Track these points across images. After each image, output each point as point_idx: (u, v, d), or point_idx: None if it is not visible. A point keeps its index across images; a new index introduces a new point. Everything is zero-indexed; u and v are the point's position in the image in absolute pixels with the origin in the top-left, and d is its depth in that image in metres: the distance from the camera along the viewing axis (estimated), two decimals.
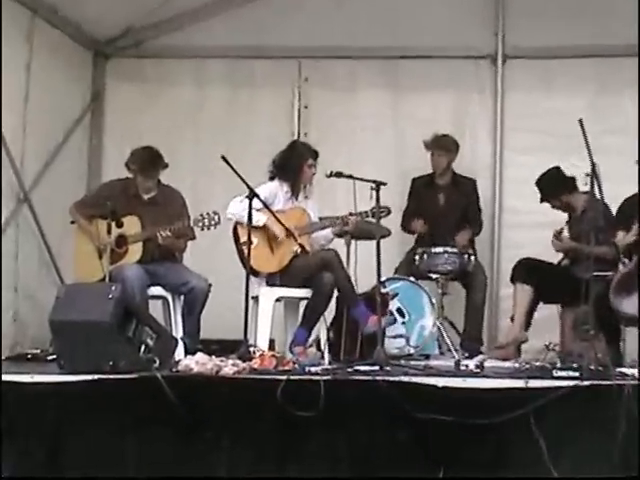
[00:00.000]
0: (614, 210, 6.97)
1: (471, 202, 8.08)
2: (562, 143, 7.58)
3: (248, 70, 8.65)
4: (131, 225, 6.79)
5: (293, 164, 7.03)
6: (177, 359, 5.91)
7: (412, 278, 7.41)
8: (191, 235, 6.94)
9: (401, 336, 7.20)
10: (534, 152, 8.19)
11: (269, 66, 8.59)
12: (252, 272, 6.46)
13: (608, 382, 5.31)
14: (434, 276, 7.54)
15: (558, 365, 5.77)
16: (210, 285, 6.75)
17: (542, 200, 7.42)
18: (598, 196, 6.17)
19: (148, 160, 6.96)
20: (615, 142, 7.79)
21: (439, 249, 7.52)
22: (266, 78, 8.61)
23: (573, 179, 7.17)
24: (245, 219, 6.38)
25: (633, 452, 5.13)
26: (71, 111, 8.32)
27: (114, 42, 8.64)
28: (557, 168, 7.35)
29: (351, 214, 6.90)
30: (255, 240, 6.56)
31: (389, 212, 6.95)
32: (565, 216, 7.51)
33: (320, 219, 7.07)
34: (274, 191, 6.93)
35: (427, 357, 7.22)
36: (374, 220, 6.45)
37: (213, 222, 6.73)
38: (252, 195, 6.34)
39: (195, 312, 6.73)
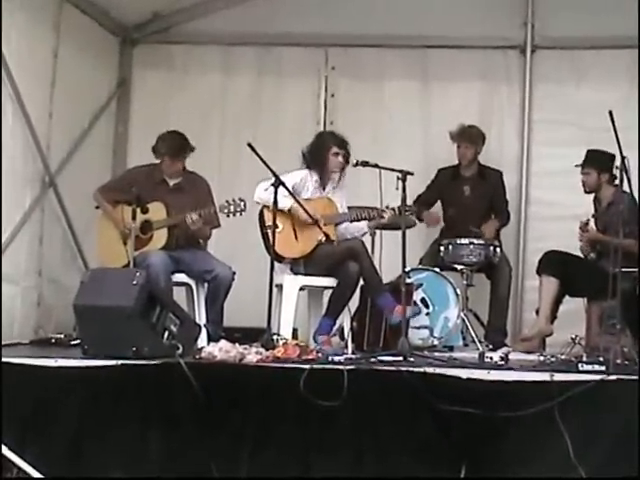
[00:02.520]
0: None
1: (497, 194, 8.02)
2: (591, 136, 7.49)
3: (275, 58, 8.61)
4: (156, 211, 6.78)
5: (318, 154, 7.01)
6: (200, 346, 5.92)
7: (437, 269, 7.37)
8: (216, 222, 6.91)
9: (425, 327, 7.16)
10: (562, 145, 8.13)
11: (296, 54, 8.56)
12: (276, 257, 6.44)
13: (634, 377, 5.27)
14: (459, 267, 7.51)
15: (584, 359, 5.72)
16: (234, 273, 6.73)
17: (584, 165, 7.32)
18: (627, 189, 6.14)
19: (176, 143, 6.95)
20: None
21: (464, 240, 7.49)
22: (293, 66, 8.58)
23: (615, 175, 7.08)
24: (271, 202, 6.36)
25: None
26: (98, 97, 8.32)
27: (141, 28, 8.63)
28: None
29: (387, 207, 6.86)
30: (280, 225, 6.56)
31: (416, 211, 7.06)
32: (592, 210, 7.44)
33: (349, 208, 7.03)
34: (304, 179, 6.91)
35: (451, 349, 7.18)
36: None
37: (239, 209, 6.71)
38: (278, 183, 6.32)
39: (219, 300, 6.72)
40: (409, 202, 6.70)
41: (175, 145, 6.94)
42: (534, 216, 8.34)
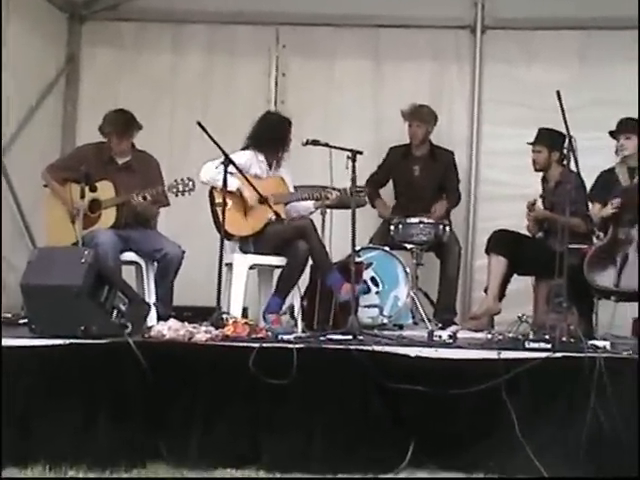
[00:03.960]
0: (589, 183, 6.99)
1: (448, 174, 8.05)
2: (541, 116, 7.52)
3: (226, 36, 8.57)
4: (105, 190, 6.74)
5: (278, 135, 7.00)
6: (149, 325, 5.90)
7: (387, 248, 7.40)
8: (165, 201, 6.89)
9: (375, 306, 7.20)
10: (512, 124, 8.18)
11: (247, 33, 8.52)
12: (225, 235, 6.44)
13: (580, 354, 5.34)
14: (409, 246, 7.54)
15: (530, 337, 5.78)
16: (184, 252, 6.71)
17: (535, 142, 7.38)
18: (574, 168, 6.19)
19: (122, 122, 6.89)
20: (595, 115, 7.75)
21: (414, 219, 7.52)
22: (244, 45, 8.54)
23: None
24: (219, 183, 6.37)
25: (604, 425, 5.15)
26: (45, 75, 8.24)
27: (90, 5, 8.54)
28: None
29: (333, 189, 6.87)
30: (230, 203, 6.58)
31: (366, 193, 7.00)
32: (540, 189, 7.51)
33: (295, 188, 7.04)
34: (250, 159, 6.90)
35: (400, 327, 7.22)
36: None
37: (187, 188, 6.69)
38: (227, 161, 6.31)
39: (168, 278, 6.70)
40: (361, 181, 6.72)
41: (121, 123, 6.89)
42: (484, 196, 8.40)
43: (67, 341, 5.40)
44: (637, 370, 5.21)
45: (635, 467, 5.04)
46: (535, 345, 5.52)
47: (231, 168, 6.44)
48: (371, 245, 7.49)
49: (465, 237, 8.22)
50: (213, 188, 6.73)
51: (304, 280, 6.90)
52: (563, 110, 5.93)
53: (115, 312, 5.68)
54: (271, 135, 7.01)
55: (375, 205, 7.95)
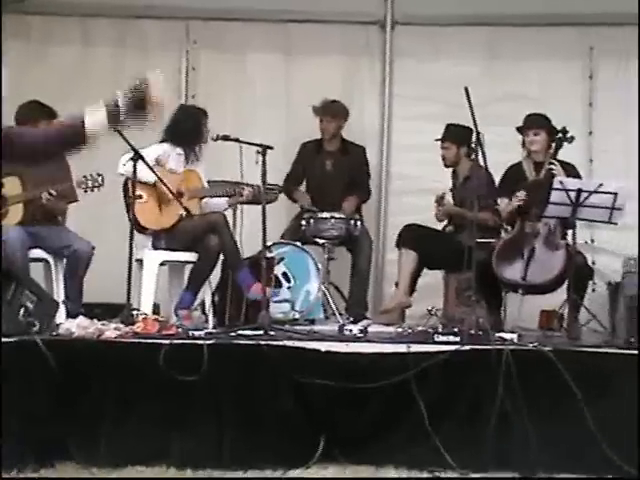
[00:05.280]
0: (499, 178, 7.10)
1: (359, 169, 8.09)
2: (450, 111, 7.55)
3: (136, 31, 8.48)
4: (11, 186, 6.62)
5: (194, 128, 6.97)
6: (58, 323, 5.82)
7: (298, 243, 7.41)
8: (73, 197, 6.80)
9: (286, 301, 7.20)
10: (422, 119, 8.22)
11: (157, 27, 8.44)
12: (139, 228, 6.39)
13: (487, 346, 5.41)
14: (320, 241, 7.55)
15: (439, 330, 5.85)
16: (93, 248, 6.64)
17: (443, 138, 7.45)
18: (482, 163, 6.28)
19: (35, 111, 6.78)
20: (503, 110, 7.85)
21: (325, 214, 7.54)
22: (154, 39, 8.44)
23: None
24: (139, 175, 6.33)
25: (511, 416, 5.24)
26: None
27: None
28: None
29: (246, 185, 6.86)
30: (145, 196, 6.55)
31: (280, 191, 7.06)
32: (450, 184, 7.60)
33: (209, 182, 7.01)
34: (167, 152, 6.86)
35: (312, 322, 7.23)
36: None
37: (96, 184, 6.62)
38: (136, 157, 6.26)
39: (77, 275, 6.61)
40: (271, 175, 6.71)
41: (33, 113, 6.78)
42: (395, 190, 8.44)
43: None
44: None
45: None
46: (444, 338, 5.59)
47: (148, 160, 6.39)
48: (282, 240, 7.50)
49: (376, 231, 8.25)
50: (128, 180, 6.64)
51: (216, 275, 6.88)
52: (471, 105, 6.02)
53: (22, 310, 5.61)
54: (187, 127, 6.97)
55: (295, 198, 7.94)
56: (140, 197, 6.32)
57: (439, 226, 7.48)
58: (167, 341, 5.39)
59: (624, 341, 5.64)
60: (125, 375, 5.35)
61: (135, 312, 6.06)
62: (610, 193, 6.10)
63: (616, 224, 6.22)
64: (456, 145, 7.40)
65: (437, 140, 7.48)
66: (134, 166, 6.25)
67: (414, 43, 8.45)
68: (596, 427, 5.20)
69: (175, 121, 6.99)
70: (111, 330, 5.56)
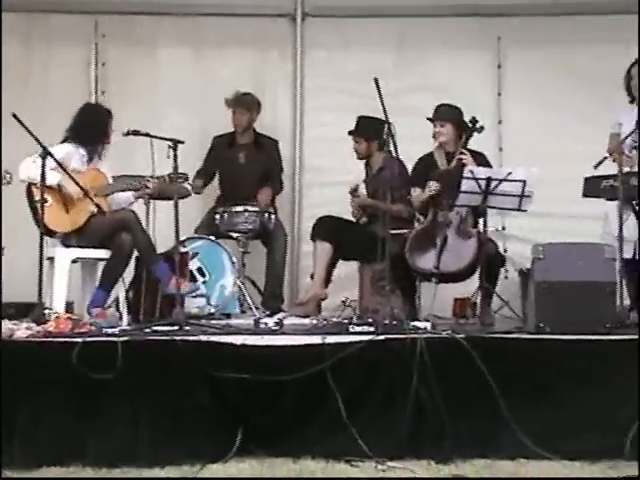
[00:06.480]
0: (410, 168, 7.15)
1: (273, 162, 8.09)
2: (362, 102, 7.58)
3: (44, 25, 8.37)
4: None
5: (99, 128, 6.87)
6: None
7: (212, 237, 7.38)
8: None
9: (202, 295, 7.17)
10: (334, 111, 8.27)
11: (65, 21, 8.33)
12: (47, 232, 6.30)
13: (402, 336, 5.45)
14: (235, 235, 7.53)
15: (354, 321, 5.87)
16: (3, 247, 6.54)
17: (354, 132, 7.48)
18: (394, 154, 6.32)
19: None
20: (414, 101, 7.93)
21: (239, 208, 7.52)
22: (62, 34, 8.35)
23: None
24: (39, 179, 6.20)
25: (425, 404, 5.29)
26: None
27: None
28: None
29: (151, 177, 6.80)
30: (50, 199, 6.42)
31: (187, 179, 6.90)
32: (363, 175, 7.64)
33: (114, 178, 6.94)
34: (70, 153, 6.74)
35: (228, 316, 7.21)
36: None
37: (5, 181, 6.49)
38: (45, 154, 6.16)
39: None
40: (185, 170, 6.70)
41: None
42: (308, 183, 8.47)
43: None
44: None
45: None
46: (359, 329, 5.61)
47: (51, 163, 6.29)
48: (196, 235, 7.47)
49: (291, 224, 8.28)
50: (32, 184, 6.53)
51: (130, 272, 6.81)
52: (381, 97, 6.06)
53: None
54: (91, 127, 6.87)
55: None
56: (45, 201, 6.18)
57: (353, 217, 7.52)
58: (80, 339, 5.33)
59: (534, 327, 5.71)
60: (38, 375, 5.26)
61: (47, 311, 5.98)
62: (519, 181, 6.18)
63: (525, 211, 6.31)
64: (368, 138, 7.44)
65: (349, 133, 7.51)
66: (43, 165, 6.14)
67: (325, 35, 8.49)
68: (509, 413, 5.27)
69: (79, 121, 6.87)
70: (22, 330, 5.48)
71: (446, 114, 6.94)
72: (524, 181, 6.18)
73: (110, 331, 5.67)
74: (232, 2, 8.33)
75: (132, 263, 6.74)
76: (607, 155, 6.36)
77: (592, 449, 5.23)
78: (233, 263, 7.27)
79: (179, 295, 6.04)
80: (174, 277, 6.35)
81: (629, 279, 6.56)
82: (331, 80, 8.41)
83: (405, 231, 6.90)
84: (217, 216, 7.53)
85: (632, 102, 6.87)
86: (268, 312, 7.18)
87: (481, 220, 6.67)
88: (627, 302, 6.35)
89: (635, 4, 7.41)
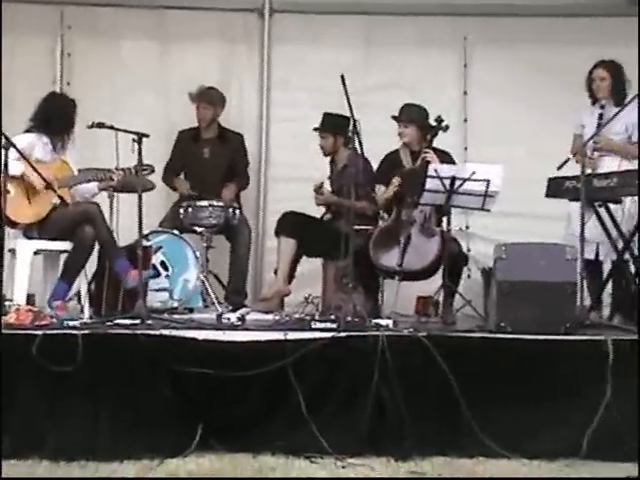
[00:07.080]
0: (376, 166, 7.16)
1: (238, 156, 8.06)
2: (328, 98, 7.55)
3: (8, 15, 8.24)
4: None
5: (64, 117, 6.82)
6: None
7: (176, 231, 7.36)
8: None
9: (165, 289, 7.14)
10: (300, 107, 8.27)
11: (31, 12, 8.25)
12: (8, 223, 6.25)
13: (364, 333, 5.47)
14: (199, 229, 7.51)
15: (317, 317, 5.87)
16: None
17: (320, 129, 7.49)
18: (359, 151, 6.33)
19: None
20: (380, 98, 7.94)
21: (204, 203, 7.49)
22: (28, 24, 8.25)
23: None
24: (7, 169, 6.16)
25: (386, 401, 5.31)
26: None
27: None
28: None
29: (116, 169, 6.77)
30: (12, 190, 6.37)
31: (153, 170, 6.88)
32: (329, 172, 7.65)
33: (79, 171, 6.90)
34: (32, 142, 6.70)
35: (191, 311, 7.20)
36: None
37: None
38: (8, 145, 6.10)
39: None
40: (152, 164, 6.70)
41: None
42: (274, 178, 8.45)
43: None
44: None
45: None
46: (321, 325, 5.64)
47: (14, 153, 6.23)
48: (160, 229, 7.44)
49: (255, 219, 8.25)
50: None
51: (92, 265, 6.78)
52: (347, 94, 6.07)
53: None
54: (56, 117, 6.82)
55: (175, 186, 7.90)
56: (8, 192, 6.13)
57: (319, 214, 7.52)
58: (40, 332, 5.31)
59: (495, 326, 5.74)
60: None
61: (8, 303, 5.93)
62: (482, 180, 6.21)
63: (489, 211, 6.34)
64: (333, 134, 7.46)
65: (315, 129, 7.52)
66: (5, 155, 6.08)
67: (292, 31, 8.47)
68: (469, 411, 5.30)
69: (43, 110, 6.83)
70: None
71: (410, 115, 6.95)
72: (488, 181, 6.20)
73: (71, 324, 5.65)
74: None
75: (95, 256, 6.71)
76: (570, 156, 6.42)
77: (550, 448, 5.29)
78: (197, 257, 7.25)
79: (142, 286, 6.00)
80: (132, 270, 6.33)
81: (590, 280, 6.63)
82: (298, 76, 8.39)
83: (369, 228, 6.91)
84: (181, 210, 7.49)
85: (594, 104, 6.95)
86: (231, 307, 7.16)
87: (445, 219, 6.70)
88: (587, 302, 6.41)
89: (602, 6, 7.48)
